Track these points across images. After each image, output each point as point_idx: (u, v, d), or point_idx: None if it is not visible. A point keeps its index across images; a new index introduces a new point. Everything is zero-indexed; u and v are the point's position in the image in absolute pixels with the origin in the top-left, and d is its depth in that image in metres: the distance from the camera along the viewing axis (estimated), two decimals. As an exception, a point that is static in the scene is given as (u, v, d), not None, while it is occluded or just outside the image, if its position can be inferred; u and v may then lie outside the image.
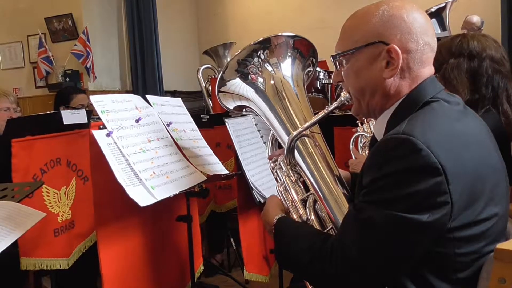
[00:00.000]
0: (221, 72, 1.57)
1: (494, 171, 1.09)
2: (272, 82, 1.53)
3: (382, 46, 1.12)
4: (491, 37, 1.80)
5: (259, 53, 1.53)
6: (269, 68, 1.54)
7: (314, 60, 1.61)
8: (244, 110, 1.65)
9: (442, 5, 4.55)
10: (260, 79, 1.54)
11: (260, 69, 1.53)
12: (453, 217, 0.99)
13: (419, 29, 1.11)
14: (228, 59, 6.19)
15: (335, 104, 1.30)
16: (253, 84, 1.55)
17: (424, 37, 1.12)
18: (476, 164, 1.03)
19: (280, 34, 1.53)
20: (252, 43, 1.52)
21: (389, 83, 1.13)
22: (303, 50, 1.57)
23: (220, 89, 1.60)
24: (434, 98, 1.12)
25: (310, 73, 1.61)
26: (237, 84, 1.57)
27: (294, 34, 1.54)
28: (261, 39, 1.52)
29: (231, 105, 1.65)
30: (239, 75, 1.56)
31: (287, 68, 1.54)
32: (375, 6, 1.15)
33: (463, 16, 4.85)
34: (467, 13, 4.90)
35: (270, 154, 1.64)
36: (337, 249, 1.07)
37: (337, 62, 1.21)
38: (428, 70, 1.15)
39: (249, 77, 1.55)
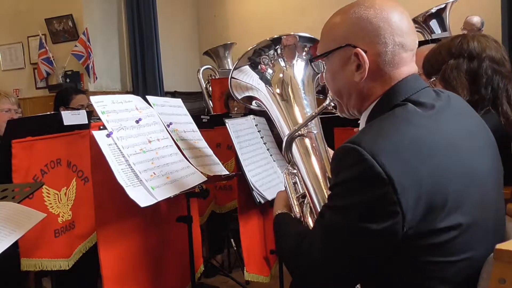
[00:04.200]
0: (238, 59, 1.61)
1: (465, 178, 1.03)
2: (281, 75, 1.56)
3: (351, 49, 1.11)
4: (492, 38, 1.79)
5: (276, 46, 1.57)
6: (282, 63, 1.57)
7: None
8: (254, 103, 1.68)
9: (443, 5, 4.56)
10: (270, 71, 1.57)
11: (272, 61, 1.57)
12: (407, 225, 0.97)
13: (389, 30, 1.08)
14: (228, 60, 6.22)
15: (322, 106, 1.33)
16: (261, 73, 1.59)
17: (396, 38, 1.09)
18: (435, 172, 0.99)
19: (308, 35, 1.57)
20: (281, 35, 1.57)
21: (362, 85, 1.13)
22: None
23: (232, 75, 1.63)
24: (405, 100, 1.09)
25: (319, 80, 1.64)
26: (246, 71, 1.61)
27: (312, 37, 1.57)
28: (279, 36, 1.57)
29: (240, 95, 1.68)
30: (249, 63, 1.59)
31: (299, 68, 1.58)
32: (348, 7, 1.14)
33: (464, 16, 4.86)
34: (468, 13, 4.91)
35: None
36: (306, 248, 1.11)
37: (321, 64, 1.23)
38: (404, 71, 1.11)
39: (259, 66, 1.58)
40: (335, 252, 1.04)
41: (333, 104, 1.28)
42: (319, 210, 1.33)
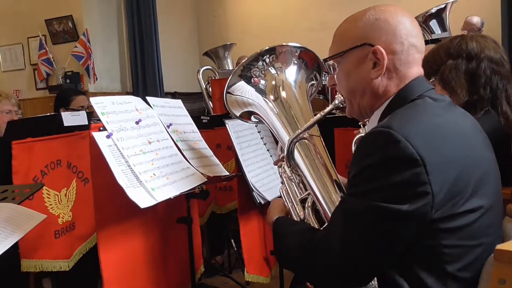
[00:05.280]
0: (228, 80, 1.63)
1: (480, 164, 1.10)
2: (273, 82, 1.57)
3: (368, 48, 1.16)
4: (491, 38, 1.79)
5: (264, 57, 1.59)
6: (273, 71, 1.59)
7: (317, 75, 1.66)
8: (254, 117, 1.70)
9: (442, 6, 4.56)
10: (262, 81, 1.59)
11: (263, 72, 1.59)
12: (435, 207, 1.00)
13: (404, 31, 1.15)
14: (228, 61, 6.22)
15: (330, 107, 1.34)
16: (255, 85, 1.60)
17: (410, 38, 1.16)
18: (458, 156, 1.04)
19: (285, 44, 1.59)
20: (258, 51, 1.58)
21: (377, 83, 1.17)
22: (309, 62, 1.62)
23: (228, 90, 1.64)
24: (420, 96, 1.15)
25: (313, 86, 1.66)
26: (241, 87, 1.62)
27: (300, 45, 1.60)
28: (267, 48, 1.58)
29: (237, 112, 1.70)
30: (242, 79, 1.61)
31: (291, 72, 1.60)
32: (363, 11, 1.20)
33: (463, 16, 4.87)
34: (467, 13, 4.91)
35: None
36: (322, 240, 1.10)
37: (330, 67, 1.27)
38: (415, 71, 1.18)
39: (252, 80, 1.60)
40: (358, 239, 1.03)
41: (341, 106, 1.31)
42: (326, 209, 1.32)
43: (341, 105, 1.30)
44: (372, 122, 1.22)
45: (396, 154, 0.99)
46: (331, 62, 1.25)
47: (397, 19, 1.16)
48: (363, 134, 2.20)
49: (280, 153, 1.68)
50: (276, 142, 2.50)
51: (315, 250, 1.11)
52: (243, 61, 1.59)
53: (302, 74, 1.60)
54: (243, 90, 1.62)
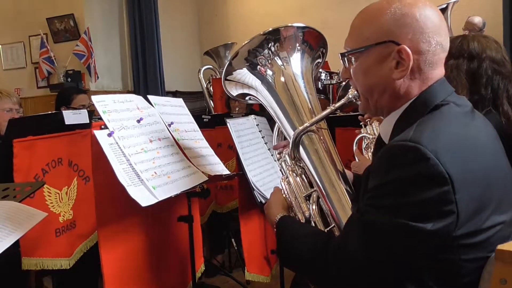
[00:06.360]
0: (230, 59, 1.55)
1: (503, 177, 1.07)
2: (282, 79, 1.50)
3: (392, 46, 1.08)
4: (492, 38, 1.79)
5: (269, 44, 1.50)
6: (279, 62, 1.51)
7: (324, 50, 1.58)
8: (248, 99, 1.63)
9: (444, 6, 4.54)
10: (269, 72, 1.52)
11: (270, 61, 1.51)
12: (459, 225, 0.97)
13: (432, 29, 1.08)
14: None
15: (342, 101, 1.29)
16: (261, 76, 1.53)
17: (437, 37, 1.08)
18: (484, 172, 1.01)
19: (290, 25, 1.50)
20: (261, 33, 1.49)
21: (399, 84, 1.10)
22: (313, 42, 1.55)
23: (227, 78, 1.59)
24: (444, 101, 1.09)
25: (319, 64, 1.59)
26: (244, 73, 1.56)
27: (304, 25, 1.51)
28: (270, 29, 1.49)
29: (234, 92, 1.63)
30: (247, 64, 1.53)
31: (296, 62, 1.52)
32: (387, 3, 1.10)
33: (465, 17, 4.85)
34: (469, 14, 4.90)
35: (275, 144, 1.63)
36: (339, 250, 1.07)
37: (345, 59, 1.17)
38: (439, 72, 1.12)
39: (258, 68, 1.53)
40: (379, 253, 1.01)
41: (354, 100, 1.25)
42: (336, 208, 1.30)
43: (354, 100, 1.24)
44: (387, 123, 1.16)
45: (425, 172, 0.95)
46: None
47: (425, 14, 1.07)
48: (364, 134, 2.21)
49: (276, 136, 1.66)
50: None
51: (330, 256, 1.08)
52: (245, 42, 1.50)
53: (307, 58, 1.53)
54: (246, 76, 1.55)
